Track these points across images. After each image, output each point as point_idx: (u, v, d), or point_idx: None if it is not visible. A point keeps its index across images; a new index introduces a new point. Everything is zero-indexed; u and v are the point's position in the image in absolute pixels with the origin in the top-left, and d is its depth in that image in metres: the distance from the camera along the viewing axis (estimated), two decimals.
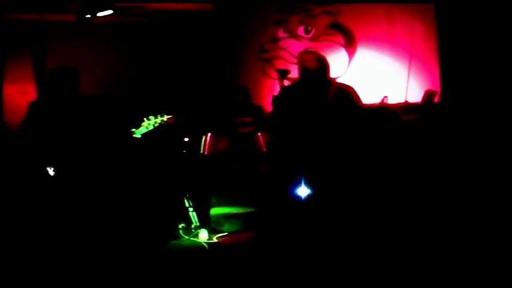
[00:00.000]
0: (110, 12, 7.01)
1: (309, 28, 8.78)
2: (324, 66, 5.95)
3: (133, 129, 6.09)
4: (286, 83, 6.14)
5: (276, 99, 6.18)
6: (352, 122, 5.90)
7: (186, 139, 7.16)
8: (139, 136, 6.11)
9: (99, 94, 7.19)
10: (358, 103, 5.96)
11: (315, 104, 5.81)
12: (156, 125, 6.22)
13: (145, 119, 6.17)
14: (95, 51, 8.37)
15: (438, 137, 6.92)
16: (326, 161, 5.66)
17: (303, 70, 5.92)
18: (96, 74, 7.83)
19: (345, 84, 6.10)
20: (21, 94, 7.87)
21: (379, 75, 8.26)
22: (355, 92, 5.97)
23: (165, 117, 6.27)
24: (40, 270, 5.27)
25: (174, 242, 6.44)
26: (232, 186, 7.28)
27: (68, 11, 7.62)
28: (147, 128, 6.14)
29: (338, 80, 8.30)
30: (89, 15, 7.06)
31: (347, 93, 5.94)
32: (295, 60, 8.49)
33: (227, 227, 6.76)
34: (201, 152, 7.36)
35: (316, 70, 5.87)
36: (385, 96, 7.79)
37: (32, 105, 5.85)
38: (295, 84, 6.16)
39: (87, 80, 6.04)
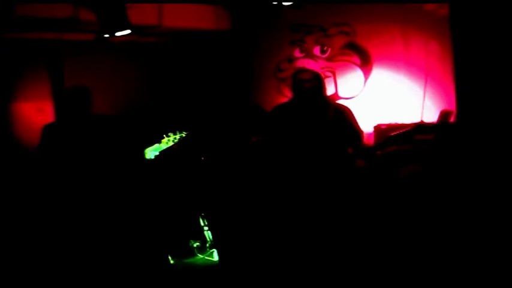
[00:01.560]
0: (128, 32, 7.06)
1: (325, 48, 8.81)
2: (320, 84, 5.98)
3: (150, 147, 6.14)
4: None
5: (270, 115, 6.24)
6: (352, 143, 5.95)
7: (202, 158, 7.18)
8: (157, 153, 6.16)
9: (111, 115, 7.23)
10: (357, 125, 6.01)
11: (313, 122, 5.84)
12: (176, 141, 6.27)
13: (164, 135, 6.23)
14: (112, 70, 8.44)
15: (454, 157, 6.90)
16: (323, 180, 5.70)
17: (298, 88, 5.95)
18: (113, 93, 7.90)
19: (343, 105, 6.15)
20: (39, 113, 7.94)
21: (395, 95, 8.26)
22: (352, 114, 6.02)
23: (184, 134, 6.34)
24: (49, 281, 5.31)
25: (188, 260, 6.44)
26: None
27: (86, 30, 7.69)
28: (167, 144, 6.20)
29: (354, 100, 8.44)
30: (107, 35, 7.11)
31: (346, 114, 5.99)
32: None
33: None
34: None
35: (312, 88, 5.89)
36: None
37: (46, 129, 5.88)
38: (290, 101, 6.19)
39: (103, 99, 6.10)
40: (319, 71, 6.39)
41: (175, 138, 6.26)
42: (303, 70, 6.48)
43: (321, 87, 5.99)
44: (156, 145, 6.25)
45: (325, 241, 5.69)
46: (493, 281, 4.92)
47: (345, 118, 5.98)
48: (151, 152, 6.15)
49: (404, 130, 6.96)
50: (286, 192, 5.86)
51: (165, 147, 6.22)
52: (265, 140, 6.29)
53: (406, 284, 5.03)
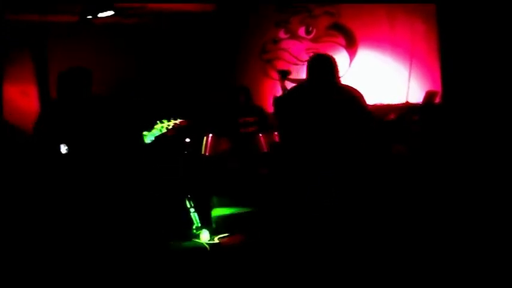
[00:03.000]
0: (111, 13, 7.01)
1: (310, 29, 8.79)
2: (334, 68, 5.89)
3: (145, 132, 6.10)
4: (287, 83, 6.12)
5: (279, 101, 6.14)
6: (363, 126, 5.88)
7: (188, 140, 7.16)
8: (152, 138, 6.13)
9: (111, 96, 7.19)
10: (367, 107, 5.94)
11: (324, 106, 5.76)
12: (169, 127, 6.24)
13: (158, 122, 6.20)
14: (96, 52, 8.36)
15: (439, 137, 6.93)
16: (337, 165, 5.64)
17: (312, 71, 5.85)
18: (97, 75, 7.82)
19: (353, 88, 6.06)
20: (23, 96, 7.88)
21: (380, 76, 8.27)
22: (363, 96, 5.95)
23: (178, 121, 6.31)
24: (43, 269, 5.29)
25: (174, 243, 6.43)
26: (234, 187, 7.27)
27: (69, 12, 7.62)
28: (160, 130, 6.17)
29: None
30: (90, 16, 7.05)
31: (356, 97, 5.91)
32: (296, 61, 8.56)
33: (229, 228, 6.77)
34: (203, 152, 7.36)
35: (325, 72, 5.81)
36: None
37: (46, 107, 5.77)
38: (301, 85, 6.11)
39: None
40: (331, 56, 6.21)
41: (168, 124, 6.23)
42: (316, 54, 6.40)
43: (333, 71, 5.88)
44: (151, 130, 6.21)
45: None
46: (480, 265, 4.94)
47: (354, 100, 5.87)
48: (148, 137, 6.12)
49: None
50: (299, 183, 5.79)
51: (159, 134, 6.18)
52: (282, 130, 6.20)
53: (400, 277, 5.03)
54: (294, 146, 5.77)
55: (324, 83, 5.75)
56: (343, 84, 5.89)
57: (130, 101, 7.62)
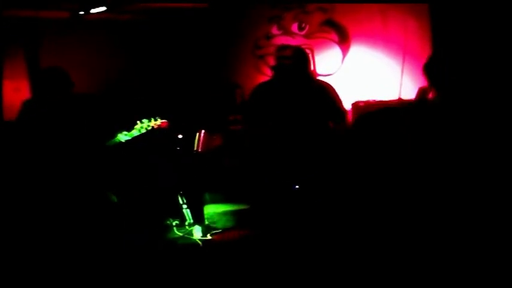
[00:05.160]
0: (103, 9, 7.00)
1: (303, 25, 8.79)
2: (303, 60, 5.95)
3: (125, 132, 6.10)
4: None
5: (252, 95, 6.22)
6: (335, 120, 5.95)
7: (180, 136, 7.16)
8: (129, 138, 6.13)
9: (88, 93, 7.19)
10: (340, 103, 6.01)
11: (297, 100, 5.83)
12: (149, 128, 6.24)
13: (138, 122, 6.19)
14: (88, 48, 8.36)
15: (432, 133, 6.93)
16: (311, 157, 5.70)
17: (280, 66, 5.93)
18: (89, 72, 7.83)
19: (326, 82, 6.13)
20: (15, 92, 7.86)
21: (373, 72, 8.28)
22: (335, 92, 6.02)
23: (159, 121, 6.29)
24: (34, 269, 5.28)
25: (167, 239, 6.44)
26: (226, 183, 7.28)
27: (62, 7, 7.60)
28: (139, 131, 6.17)
29: (331, 77, 8.43)
30: (82, 12, 7.04)
31: (329, 92, 5.98)
32: None
33: (221, 224, 6.77)
34: (195, 149, 7.36)
35: (294, 65, 5.87)
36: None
37: (25, 104, 5.84)
38: (272, 79, 6.18)
39: (80, 78, 6.03)
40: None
41: (148, 125, 6.22)
42: (285, 47, 6.46)
43: (303, 63, 5.97)
44: (131, 130, 6.20)
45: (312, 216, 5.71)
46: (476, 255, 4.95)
47: (328, 95, 5.98)
48: (123, 136, 6.11)
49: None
50: (271, 170, 5.86)
51: (137, 134, 6.18)
52: (246, 120, 6.28)
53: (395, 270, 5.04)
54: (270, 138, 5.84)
55: (296, 77, 5.83)
56: (318, 80, 5.98)
57: (114, 100, 7.62)
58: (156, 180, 6.81)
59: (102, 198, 5.95)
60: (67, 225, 5.58)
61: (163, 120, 6.29)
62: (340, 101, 6.07)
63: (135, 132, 6.15)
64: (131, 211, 6.31)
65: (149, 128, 6.22)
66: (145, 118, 6.21)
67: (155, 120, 6.25)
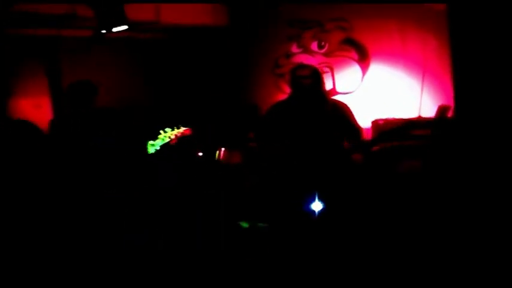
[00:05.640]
0: (125, 27, 7.06)
1: (323, 43, 8.82)
2: (319, 80, 6.01)
3: (150, 142, 6.13)
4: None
5: (269, 113, 6.26)
6: (351, 139, 5.98)
7: (200, 154, 7.18)
8: (157, 148, 6.15)
9: (110, 107, 7.24)
10: (355, 121, 6.05)
11: (311, 119, 5.87)
12: (173, 136, 6.27)
13: (161, 131, 6.23)
14: (109, 66, 8.44)
15: (451, 152, 6.91)
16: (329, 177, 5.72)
17: (296, 84, 5.98)
18: (109, 90, 7.88)
19: (341, 102, 6.18)
20: (36, 109, 7.93)
21: (393, 90, 8.27)
22: (350, 110, 6.06)
23: (182, 129, 6.33)
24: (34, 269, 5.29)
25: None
26: (245, 201, 7.26)
27: (84, 26, 7.68)
28: (163, 140, 6.20)
29: (351, 95, 8.44)
30: (104, 31, 7.11)
31: (344, 111, 6.03)
32: None
33: None
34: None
35: (310, 85, 5.92)
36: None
37: (53, 123, 5.93)
38: (288, 98, 6.22)
39: (100, 96, 6.11)
40: (318, 67, 6.40)
41: (171, 134, 6.26)
42: (302, 66, 6.49)
43: (319, 83, 6.03)
44: (154, 141, 6.24)
45: (323, 236, 5.71)
46: (492, 281, 4.92)
47: (343, 114, 6.03)
48: (150, 147, 6.15)
49: (398, 126, 7.01)
50: (285, 187, 5.88)
51: (162, 143, 6.21)
52: (258, 138, 6.31)
53: (403, 283, 5.03)
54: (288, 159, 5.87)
55: (313, 96, 5.87)
56: (332, 99, 6.02)
57: (133, 113, 7.67)
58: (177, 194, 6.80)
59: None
60: (72, 227, 5.57)
61: (186, 128, 6.32)
62: (354, 119, 6.09)
63: (159, 142, 6.19)
64: (131, 211, 6.30)
65: (173, 136, 6.25)
66: (168, 127, 6.25)
67: (178, 128, 6.29)
